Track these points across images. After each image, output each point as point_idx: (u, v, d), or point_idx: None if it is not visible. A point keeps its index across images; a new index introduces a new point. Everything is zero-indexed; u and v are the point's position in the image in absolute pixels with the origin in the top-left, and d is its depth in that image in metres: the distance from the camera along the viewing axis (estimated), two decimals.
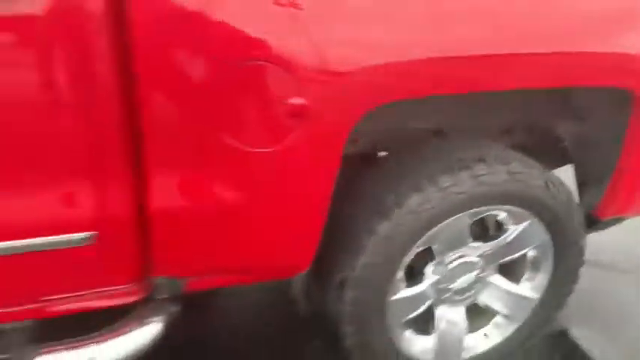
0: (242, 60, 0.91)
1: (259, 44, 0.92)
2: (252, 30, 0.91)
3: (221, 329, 1.76)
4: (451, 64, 1.06)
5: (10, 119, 0.86)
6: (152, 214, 1.01)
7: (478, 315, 1.52)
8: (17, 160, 0.90)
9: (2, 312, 1.09)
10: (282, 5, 0.92)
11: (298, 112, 0.98)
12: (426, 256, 1.36)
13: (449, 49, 1.05)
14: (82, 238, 0.98)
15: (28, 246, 0.96)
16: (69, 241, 0.98)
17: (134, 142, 0.95)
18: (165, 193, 1.00)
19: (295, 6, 0.93)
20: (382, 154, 1.49)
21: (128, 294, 1.16)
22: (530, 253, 1.43)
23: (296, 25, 0.95)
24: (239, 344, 1.69)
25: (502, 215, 1.35)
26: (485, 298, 1.49)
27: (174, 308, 1.25)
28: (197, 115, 0.96)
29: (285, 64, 0.94)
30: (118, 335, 1.18)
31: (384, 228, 1.20)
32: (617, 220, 1.55)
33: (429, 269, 1.38)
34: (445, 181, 1.20)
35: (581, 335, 1.75)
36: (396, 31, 1.04)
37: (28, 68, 0.84)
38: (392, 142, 1.43)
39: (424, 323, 1.48)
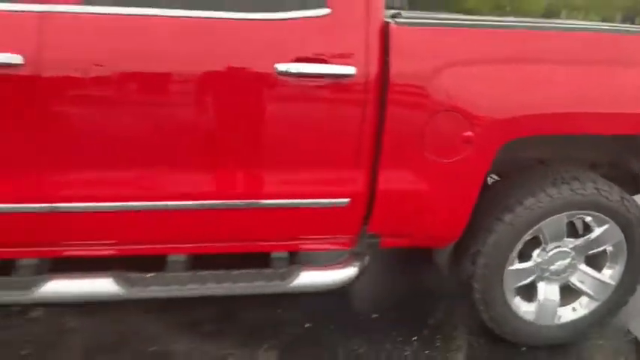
0: (445, 110, 1.68)
1: (455, 102, 1.67)
2: (453, 93, 1.67)
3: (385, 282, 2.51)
4: (557, 117, 1.76)
5: (330, 138, 1.67)
6: (378, 193, 1.77)
7: (569, 293, 2.12)
8: (324, 157, 1.70)
9: (275, 244, 1.90)
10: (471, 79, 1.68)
11: (468, 140, 1.72)
12: (534, 243, 2.01)
13: (557, 106, 1.75)
14: (343, 202, 1.76)
15: (314, 203, 1.75)
16: (335, 203, 1.76)
17: (376, 153, 1.72)
18: (387, 181, 1.76)
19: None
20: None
21: (347, 243, 1.92)
22: (609, 248, 2.03)
23: (472, 90, 1.70)
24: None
25: (589, 218, 1.98)
26: (574, 281, 2.09)
27: (368, 258, 1.99)
28: (412, 141, 1.72)
29: (464, 113, 1.69)
30: (337, 267, 1.94)
31: (508, 218, 1.89)
32: None
33: (535, 252, 2.02)
34: (551, 190, 1.87)
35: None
36: (523, 94, 1.76)
37: (345, 110, 1.65)
38: (505, 167, 2.10)
39: (529, 294, 2.10)
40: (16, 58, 1.42)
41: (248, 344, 2.05)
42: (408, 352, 2.07)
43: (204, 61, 1.55)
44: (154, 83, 1.56)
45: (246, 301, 2.25)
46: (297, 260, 1.95)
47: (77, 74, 1.48)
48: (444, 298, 2.46)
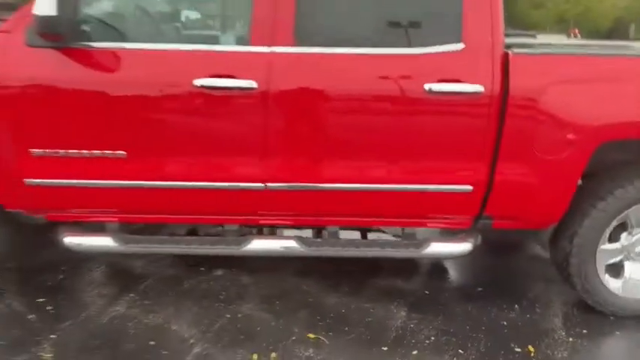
0: (552, 118, 2.18)
1: (559, 112, 2.18)
2: (558, 106, 2.18)
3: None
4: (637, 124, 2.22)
5: (467, 135, 2.22)
6: (495, 182, 2.29)
7: None
8: (455, 153, 2.26)
9: (410, 221, 2.46)
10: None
11: (571, 142, 2.21)
12: (622, 228, 2.44)
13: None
14: (467, 189, 2.30)
15: (446, 189, 2.30)
16: (460, 189, 2.30)
17: (496, 150, 2.25)
18: (502, 173, 2.28)
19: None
20: None
21: (463, 223, 2.45)
22: None
23: (572, 103, 2.20)
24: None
25: None
26: None
27: (480, 237, 2.51)
28: (525, 142, 2.23)
29: (567, 121, 2.19)
30: (458, 241, 2.47)
31: (601, 205, 2.34)
32: None
33: (623, 236, 2.45)
34: (637, 183, 2.31)
35: None
36: (611, 106, 2.23)
37: (475, 118, 2.20)
38: (598, 167, 2.54)
39: (617, 272, 2.52)
40: (252, 84, 2.10)
41: (382, 301, 2.62)
42: (513, 315, 2.55)
43: (384, 84, 2.17)
44: (348, 100, 2.21)
45: (372, 272, 2.84)
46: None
47: (293, 93, 2.14)
48: (539, 279, 2.92)
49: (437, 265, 3.06)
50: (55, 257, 2.79)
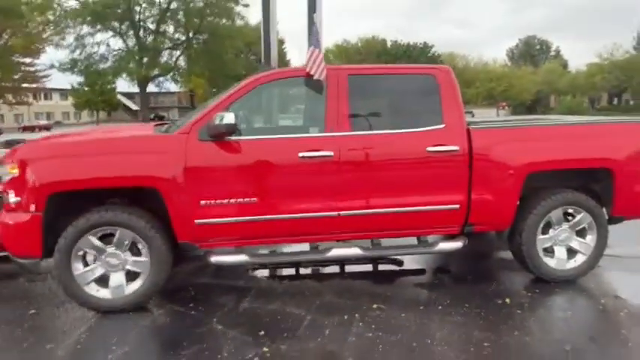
0: (498, 163, 3.83)
1: (502, 160, 3.83)
2: (500, 156, 3.83)
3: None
4: (551, 162, 3.90)
5: (428, 175, 3.79)
6: (472, 202, 3.85)
7: (570, 252, 4.07)
8: (435, 185, 3.81)
9: (420, 232, 3.96)
10: None
11: (510, 175, 3.84)
12: (548, 225, 4.02)
13: (549, 155, 3.90)
14: (455, 208, 3.83)
15: (429, 210, 3.81)
16: (449, 210, 3.83)
17: (470, 183, 3.83)
18: (475, 196, 3.85)
19: None
20: None
21: (455, 230, 3.96)
22: (587, 225, 4.03)
23: (496, 153, 3.86)
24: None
25: (572, 210, 4.00)
26: (573, 245, 4.06)
27: (466, 239, 4.01)
28: (485, 177, 3.82)
29: (507, 164, 3.84)
30: (445, 242, 3.96)
31: (534, 211, 3.93)
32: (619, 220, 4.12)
33: (550, 230, 4.02)
34: (553, 197, 3.95)
35: None
36: (530, 154, 3.92)
37: (455, 166, 3.78)
38: (527, 190, 4.19)
39: (550, 253, 4.06)
40: (330, 153, 3.61)
41: (412, 286, 4.01)
42: (493, 287, 4.00)
43: (403, 148, 3.73)
44: (384, 160, 3.74)
45: (399, 276, 4.26)
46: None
47: (353, 157, 3.67)
48: (505, 269, 4.43)
49: (441, 268, 4.52)
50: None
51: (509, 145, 3.89)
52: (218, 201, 3.56)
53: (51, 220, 3.45)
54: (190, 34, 21.54)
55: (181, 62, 21.59)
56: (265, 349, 3.02)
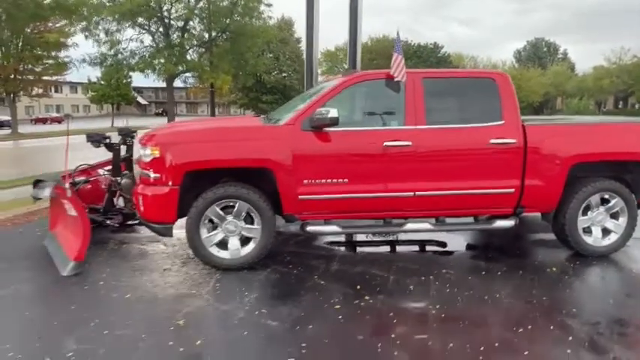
0: (547, 154, 4.51)
1: (552, 151, 4.52)
2: (553, 148, 4.51)
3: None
4: (595, 155, 4.60)
5: (489, 164, 4.48)
6: (525, 187, 4.54)
7: (605, 232, 4.76)
8: (495, 172, 4.50)
9: (479, 211, 4.66)
10: None
11: (558, 164, 4.54)
12: (588, 208, 4.70)
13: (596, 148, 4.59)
14: (510, 192, 4.52)
15: (489, 193, 4.50)
16: (505, 194, 4.52)
17: (524, 171, 4.51)
18: (528, 182, 4.53)
19: None
20: None
21: (510, 210, 4.65)
22: (618, 208, 4.72)
23: (558, 142, 4.55)
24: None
25: (607, 196, 4.69)
26: (608, 225, 4.74)
27: (517, 219, 4.70)
28: (538, 166, 4.51)
29: (557, 154, 4.53)
30: (501, 221, 4.66)
31: (577, 196, 4.62)
32: None
33: (589, 212, 4.71)
34: (593, 183, 4.64)
35: None
36: (579, 145, 4.62)
37: (512, 156, 4.47)
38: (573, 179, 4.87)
39: (589, 232, 4.75)
40: (409, 143, 4.31)
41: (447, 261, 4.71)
42: (541, 257, 4.69)
43: (471, 140, 4.42)
44: (455, 150, 4.44)
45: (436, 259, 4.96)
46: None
47: (428, 147, 4.36)
48: (547, 246, 5.12)
49: (488, 245, 5.23)
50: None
51: (558, 140, 4.57)
52: (317, 180, 4.27)
53: (182, 194, 4.17)
54: (215, 33, 22.23)
55: (205, 60, 22.32)
56: (367, 297, 3.72)
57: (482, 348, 2.96)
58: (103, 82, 43.04)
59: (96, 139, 5.16)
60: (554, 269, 4.41)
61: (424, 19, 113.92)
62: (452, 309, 3.54)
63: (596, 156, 4.61)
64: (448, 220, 4.67)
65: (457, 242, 5.27)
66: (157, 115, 72.40)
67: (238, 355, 2.90)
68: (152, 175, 4.15)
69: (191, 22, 21.91)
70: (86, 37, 22.81)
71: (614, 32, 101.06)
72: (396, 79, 4.41)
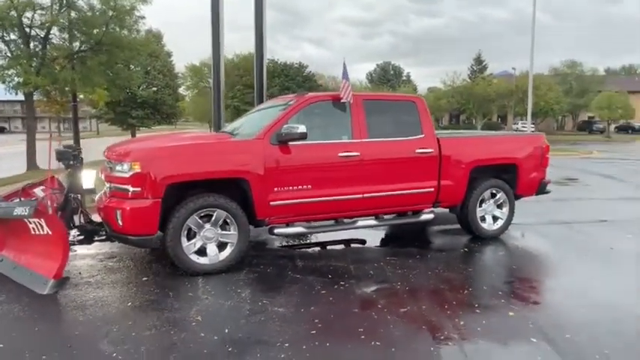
0: (455, 160, 5.74)
1: (456, 157, 5.76)
2: (458, 153, 5.75)
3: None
4: (489, 160, 5.97)
5: (415, 169, 5.59)
6: (441, 187, 5.69)
7: (494, 219, 6.17)
8: (419, 175, 5.60)
9: (408, 208, 5.71)
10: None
11: (462, 168, 5.80)
12: (482, 200, 6.07)
13: (493, 155, 5.96)
14: (431, 190, 5.64)
15: (416, 192, 5.59)
16: (427, 192, 5.63)
17: (439, 174, 5.67)
18: (443, 182, 5.70)
19: None
20: None
21: (429, 206, 5.78)
22: (500, 199, 6.17)
23: (456, 150, 5.81)
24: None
25: (494, 191, 6.12)
26: (496, 213, 6.16)
27: (433, 214, 5.85)
28: (449, 170, 5.71)
29: (460, 159, 5.79)
30: (425, 214, 5.77)
31: (474, 192, 5.93)
32: (520, 197, 6.37)
33: (484, 204, 6.07)
34: (489, 181, 6.01)
35: None
36: (476, 153, 5.95)
37: (430, 162, 5.58)
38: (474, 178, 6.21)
39: (483, 220, 6.11)
40: (357, 153, 5.13)
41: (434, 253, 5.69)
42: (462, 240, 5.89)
43: (398, 151, 5.41)
44: (389, 159, 5.38)
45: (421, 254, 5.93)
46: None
47: (370, 156, 5.23)
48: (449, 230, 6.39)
49: (405, 238, 6.31)
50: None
51: (462, 149, 5.84)
52: (286, 187, 4.82)
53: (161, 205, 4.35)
54: (79, 44, 20.61)
55: (76, 73, 20.52)
56: (342, 282, 4.38)
57: (446, 306, 3.86)
58: None
59: (66, 156, 4.85)
60: (465, 249, 5.62)
61: (278, 38, 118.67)
62: (411, 284, 4.41)
63: (487, 161, 6.00)
64: (386, 216, 5.60)
65: (377, 238, 6.25)
66: None
67: (272, 334, 3.33)
68: (132, 189, 4.25)
69: (53, 32, 19.98)
70: None
71: (445, 58, 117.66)
72: (342, 101, 5.21)
